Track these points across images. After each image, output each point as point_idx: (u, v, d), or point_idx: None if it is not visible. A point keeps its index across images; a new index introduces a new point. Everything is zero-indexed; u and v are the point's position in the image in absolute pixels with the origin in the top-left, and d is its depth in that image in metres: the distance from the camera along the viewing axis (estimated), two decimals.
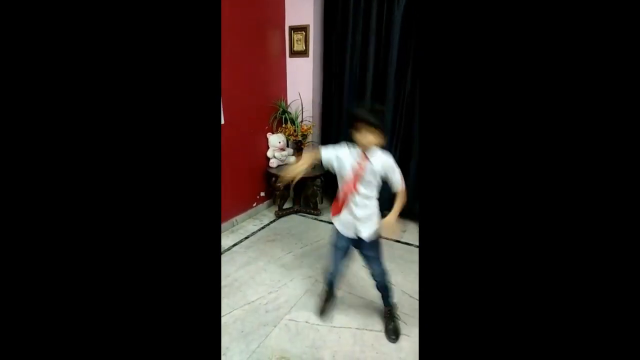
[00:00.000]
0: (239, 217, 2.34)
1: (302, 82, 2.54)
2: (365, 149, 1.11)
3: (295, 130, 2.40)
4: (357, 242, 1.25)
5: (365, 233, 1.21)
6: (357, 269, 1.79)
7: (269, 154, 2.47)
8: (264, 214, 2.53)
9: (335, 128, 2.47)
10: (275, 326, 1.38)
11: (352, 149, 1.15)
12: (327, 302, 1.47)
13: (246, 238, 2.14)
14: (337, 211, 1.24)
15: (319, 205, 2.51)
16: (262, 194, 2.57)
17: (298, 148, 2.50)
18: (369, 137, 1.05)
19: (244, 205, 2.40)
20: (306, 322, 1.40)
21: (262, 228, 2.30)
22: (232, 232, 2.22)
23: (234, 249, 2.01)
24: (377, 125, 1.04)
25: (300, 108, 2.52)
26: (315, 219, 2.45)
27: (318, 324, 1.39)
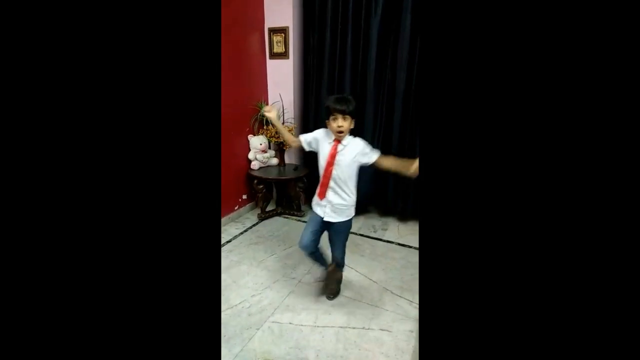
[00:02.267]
0: (221, 221, 2.31)
1: (282, 84, 2.55)
2: (338, 137, 1.25)
3: (276, 132, 2.39)
4: (327, 224, 1.38)
5: (334, 219, 1.34)
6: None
7: (251, 156, 2.46)
8: (247, 216, 2.51)
9: (314, 129, 2.48)
10: (258, 329, 1.37)
11: (329, 134, 1.30)
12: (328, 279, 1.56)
13: (228, 242, 2.12)
14: (318, 194, 1.37)
15: (302, 207, 2.52)
16: (245, 196, 2.54)
17: (280, 150, 2.50)
18: (340, 122, 1.20)
19: (226, 208, 2.37)
20: (290, 323, 1.41)
21: (245, 231, 2.28)
22: None
23: None
24: (345, 111, 1.19)
25: (282, 109, 2.52)
26: (299, 220, 2.45)
27: (302, 325, 1.40)
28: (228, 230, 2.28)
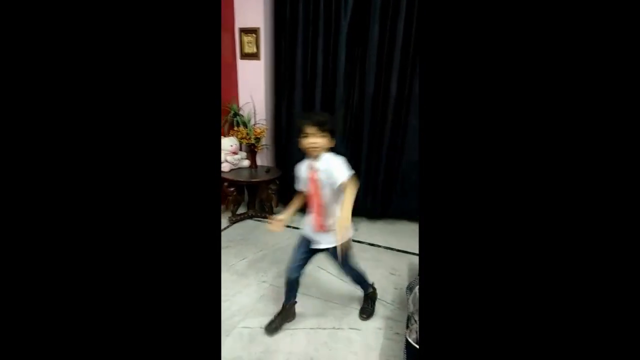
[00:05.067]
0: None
1: (254, 85, 2.51)
2: (314, 156, 1.16)
3: (247, 134, 2.36)
4: (319, 250, 1.29)
5: (326, 243, 1.25)
6: (311, 270, 1.82)
7: (221, 157, 2.40)
8: None
9: (286, 131, 2.49)
10: (228, 335, 1.34)
11: (306, 162, 1.21)
12: (279, 316, 1.40)
13: None
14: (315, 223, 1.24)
15: (275, 209, 2.50)
16: None
17: (251, 151, 2.46)
18: (311, 139, 1.12)
19: None
20: (260, 327, 1.40)
21: None
22: None
23: None
24: (315, 124, 1.12)
25: (253, 111, 2.49)
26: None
27: None
28: None
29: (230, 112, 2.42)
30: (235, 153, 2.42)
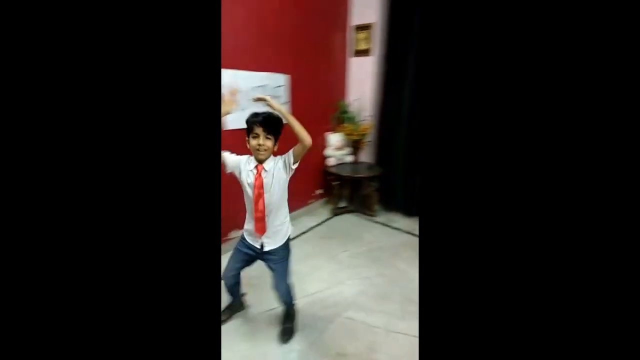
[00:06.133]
0: (294, 213, 2.44)
1: (365, 81, 2.54)
2: (261, 159, 1.09)
3: (353, 130, 2.40)
4: (263, 254, 1.20)
5: (270, 246, 1.18)
6: (415, 275, 1.74)
7: (328, 152, 2.53)
8: (320, 211, 2.60)
9: (393, 128, 2.42)
10: (331, 322, 1.42)
11: (250, 162, 1.11)
12: (228, 309, 1.43)
13: (303, 233, 2.23)
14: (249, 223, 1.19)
15: (375, 207, 2.49)
16: (318, 191, 2.64)
17: (356, 147, 2.50)
18: (261, 140, 1.05)
19: (300, 202, 2.49)
20: (362, 322, 1.42)
21: (319, 224, 2.37)
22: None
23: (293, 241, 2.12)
24: (266, 127, 1.04)
25: (362, 107, 2.52)
26: (370, 220, 2.44)
27: (375, 327, 1.40)
28: (303, 222, 2.40)
29: (339, 108, 2.51)
30: (341, 148, 2.51)
